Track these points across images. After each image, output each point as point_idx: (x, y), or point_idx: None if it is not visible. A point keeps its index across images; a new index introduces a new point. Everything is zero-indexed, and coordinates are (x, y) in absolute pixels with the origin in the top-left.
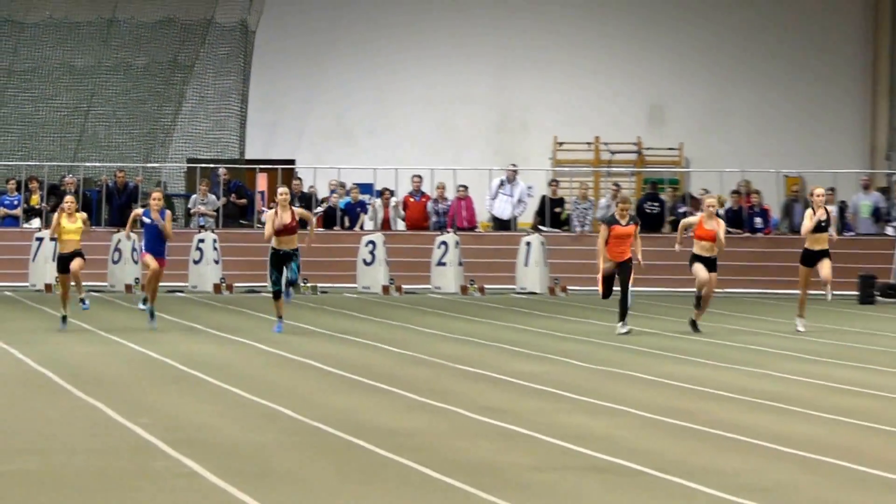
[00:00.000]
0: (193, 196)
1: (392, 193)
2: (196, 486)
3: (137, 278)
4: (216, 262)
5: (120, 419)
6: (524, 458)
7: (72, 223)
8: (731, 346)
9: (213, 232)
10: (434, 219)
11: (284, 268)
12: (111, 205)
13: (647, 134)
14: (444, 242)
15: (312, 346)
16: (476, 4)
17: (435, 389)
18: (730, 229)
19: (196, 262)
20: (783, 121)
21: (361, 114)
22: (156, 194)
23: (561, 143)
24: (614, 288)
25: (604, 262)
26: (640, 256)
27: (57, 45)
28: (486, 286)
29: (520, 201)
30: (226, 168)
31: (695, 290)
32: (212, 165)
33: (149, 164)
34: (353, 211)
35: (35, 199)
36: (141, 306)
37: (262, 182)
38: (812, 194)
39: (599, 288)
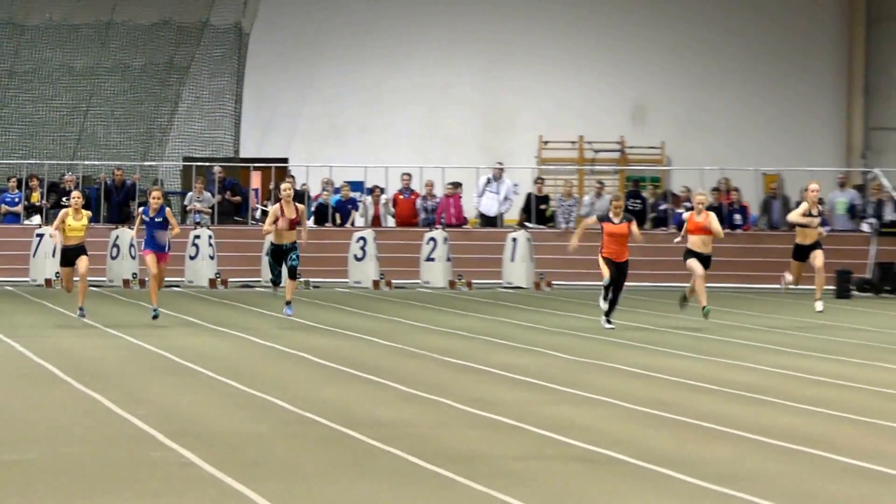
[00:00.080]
0: (189, 193)
1: (382, 191)
2: (192, 476)
3: (135, 273)
4: (211, 257)
5: (118, 410)
6: (510, 447)
7: (77, 220)
8: (710, 338)
9: (208, 228)
10: (423, 215)
11: (284, 261)
12: (109, 202)
13: (630, 133)
14: (432, 238)
15: (305, 340)
16: (463, 8)
17: (424, 381)
18: None
19: (192, 258)
20: (762, 120)
21: (352, 114)
22: (155, 193)
23: (546, 142)
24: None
25: (603, 262)
26: (636, 235)
27: (56, 47)
28: (473, 281)
29: (506, 198)
30: (221, 166)
31: (687, 284)
32: (207, 164)
33: (146, 163)
34: (345, 208)
35: (35, 197)
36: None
37: (255, 180)
38: (807, 189)
39: (605, 272)
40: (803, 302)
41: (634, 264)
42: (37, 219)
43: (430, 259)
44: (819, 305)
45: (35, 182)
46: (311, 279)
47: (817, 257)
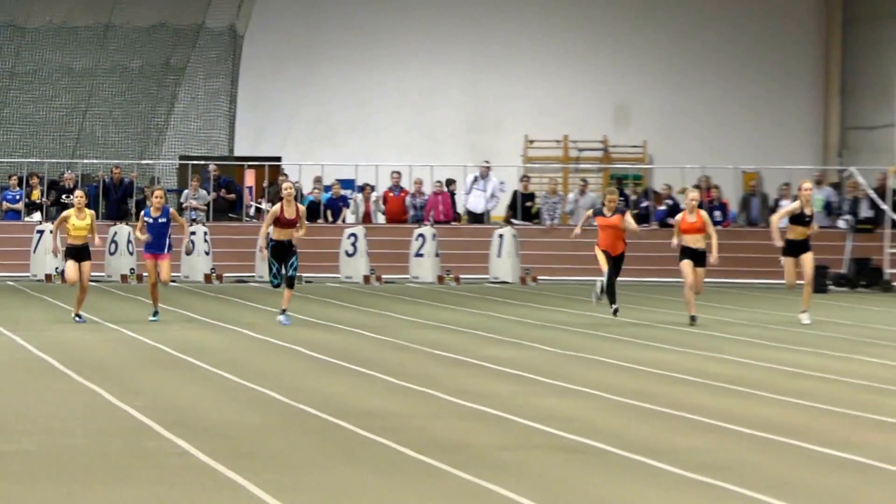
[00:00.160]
0: (185, 191)
1: (372, 189)
2: (187, 465)
3: (132, 269)
4: (207, 253)
5: (116, 402)
6: (497, 437)
7: (81, 220)
8: (691, 332)
9: (203, 225)
10: (412, 212)
11: (284, 262)
12: (108, 199)
13: (613, 132)
14: (421, 235)
15: (298, 333)
16: (452, 14)
17: (413, 373)
18: None
19: (188, 254)
20: (741, 120)
21: (344, 114)
22: (157, 192)
23: (532, 141)
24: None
25: (602, 261)
26: (633, 227)
27: (56, 48)
28: (461, 276)
29: (493, 196)
30: (216, 165)
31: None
32: (202, 162)
33: (143, 161)
34: (336, 205)
35: (36, 195)
36: (151, 318)
37: (249, 178)
38: (800, 188)
39: (603, 266)
40: (781, 296)
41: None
42: (37, 216)
43: (419, 255)
44: (805, 318)
45: (35, 180)
46: (303, 274)
47: (807, 264)
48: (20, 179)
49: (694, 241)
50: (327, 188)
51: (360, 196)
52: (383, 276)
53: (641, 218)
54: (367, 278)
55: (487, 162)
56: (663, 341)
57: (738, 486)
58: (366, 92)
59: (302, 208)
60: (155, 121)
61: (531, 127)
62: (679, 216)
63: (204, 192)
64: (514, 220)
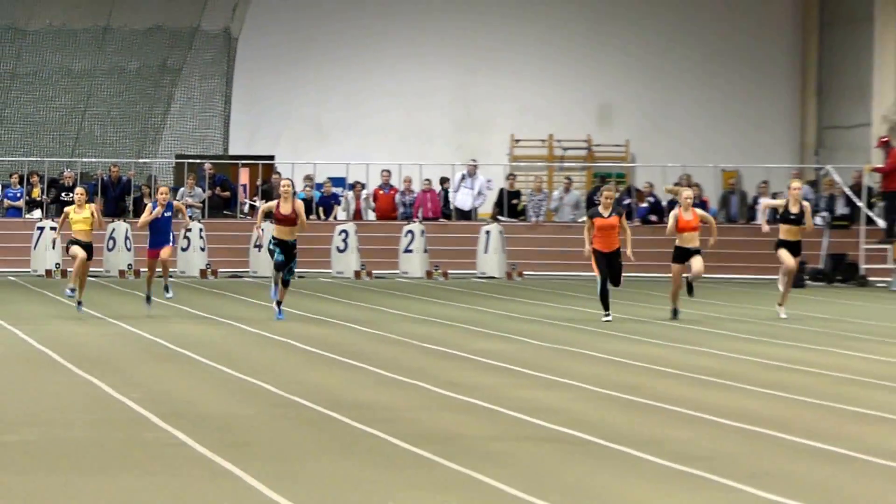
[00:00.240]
0: (181, 189)
1: (363, 186)
2: (184, 455)
3: (130, 264)
4: (202, 249)
5: (114, 394)
6: (485, 429)
7: (79, 214)
8: (674, 325)
9: (199, 221)
10: (401, 209)
11: (287, 252)
12: (106, 196)
13: (597, 132)
14: (410, 231)
15: (291, 327)
16: (440, 17)
17: (404, 366)
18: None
19: (184, 250)
20: (721, 120)
21: (335, 114)
22: (163, 189)
23: (518, 141)
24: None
25: (595, 262)
26: (629, 252)
27: (56, 50)
28: (449, 271)
29: (480, 193)
30: (211, 163)
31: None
32: (198, 161)
33: (140, 160)
34: (328, 202)
35: (36, 192)
36: (166, 295)
37: (244, 176)
38: (789, 187)
39: (595, 272)
40: (759, 291)
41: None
42: (37, 213)
43: (408, 251)
44: (781, 313)
45: (36, 178)
46: (296, 269)
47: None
48: (21, 177)
49: (690, 240)
50: (319, 186)
51: (351, 194)
52: (374, 272)
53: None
54: (357, 273)
55: (475, 161)
56: (647, 335)
57: (719, 476)
58: (357, 93)
59: (300, 204)
60: (152, 120)
61: (517, 127)
62: (675, 215)
63: (199, 189)
64: (500, 217)
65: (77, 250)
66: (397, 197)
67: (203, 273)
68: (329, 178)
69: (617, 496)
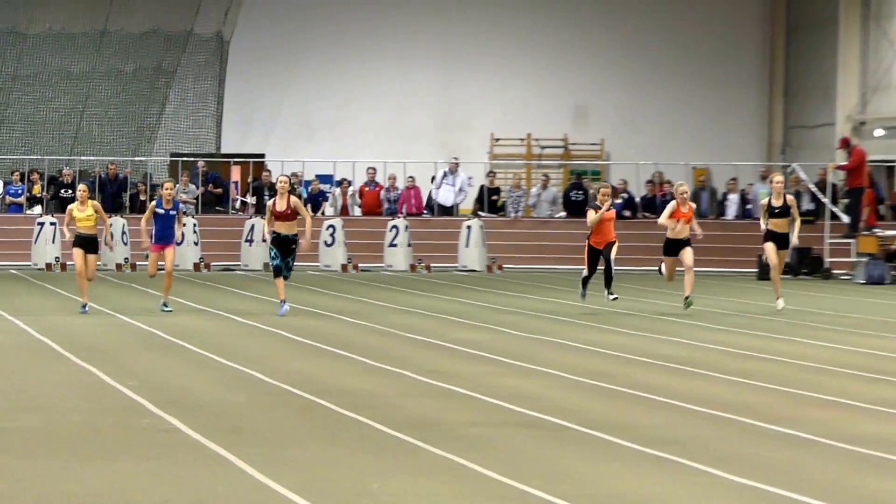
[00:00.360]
0: (176, 186)
1: (350, 183)
2: (178, 441)
3: (127, 258)
4: (196, 243)
5: (111, 382)
6: (465, 415)
7: (82, 211)
8: (647, 317)
9: (192, 217)
10: (386, 205)
11: (285, 253)
12: (104, 193)
13: (573, 131)
14: (395, 226)
15: (281, 318)
16: (423, 22)
17: (388, 355)
18: (646, 213)
19: (178, 244)
20: (691, 119)
21: (323, 114)
22: (168, 185)
23: (497, 139)
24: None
25: (587, 256)
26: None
27: (56, 53)
28: (431, 264)
29: (461, 190)
30: (204, 161)
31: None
32: (191, 159)
33: (136, 158)
34: (316, 199)
35: (36, 189)
36: (164, 309)
37: (235, 173)
38: (771, 182)
39: (585, 267)
40: (728, 283)
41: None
42: (38, 209)
43: (392, 245)
44: (780, 304)
45: (36, 176)
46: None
47: (779, 257)
48: (22, 175)
49: (679, 232)
50: (307, 183)
51: (338, 190)
52: (360, 265)
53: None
54: (344, 267)
55: (456, 158)
56: (621, 325)
57: (689, 459)
58: (344, 94)
59: (295, 200)
60: (147, 120)
61: (497, 126)
62: (671, 207)
63: (193, 186)
64: (480, 213)
65: (79, 262)
66: (382, 193)
67: (196, 266)
68: (317, 176)
69: (592, 479)
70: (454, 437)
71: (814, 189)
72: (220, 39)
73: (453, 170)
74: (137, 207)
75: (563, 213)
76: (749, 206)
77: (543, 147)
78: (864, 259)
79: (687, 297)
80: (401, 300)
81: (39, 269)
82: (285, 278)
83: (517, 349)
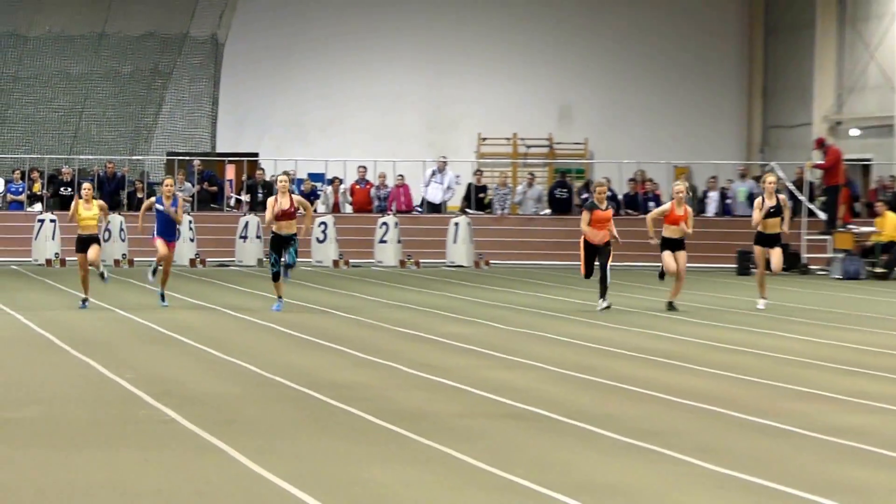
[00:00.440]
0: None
1: (341, 181)
2: (174, 431)
3: (124, 254)
4: (192, 240)
5: (109, 374)
6: (454, 406)
7: (88, 210)
8: (629, 311)
9: (188, 214)
10: (376, 203)
11: (283, 251)
12: (102, 191)
13: (558, 130)
14: (385, 223)
15: (273, 313)
16: (412, 24)
17: (378, 348)
18: (628, 210)
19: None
20: (673, 119)
21: (315, 114)
22: (167, 181)
23: (484, 139)
24: (595, 264)
25: (583, 251)
26: (615, 233)
27: (55, 55)
28: (420, 260)
29: (449, 188)
30: (199, 160)
31: (662, 267)
32: (187, 158)
33: (134, 157)
34: (308, 197)
35: (37, 187)
36: (150, 278)
37: (230, 172)
38: (764, 182)
39: (581, 269)
40: (708, 279)
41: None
42: (38, 206)
43: (382, 241)
44: (761, 304)
45: (36, 174)
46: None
47: (774, 257)
48: (23, 173)
49: (678, 232)
50: (299, 182)
51: (329, 188)
52: (351, 261)
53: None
54: (336, 262)
55: (444, 157)
56: (601, 319)
57: (670, 450)
58: (335, 94)
59: (297, 198)
60: (144, 120)
61: (484, 126)
62: (666, 207)
63: (189, 184)
64: (468, 210)
65: (81, 259)
66: (373, 191)
67: (192, 262)
68: (309, 175)
69: (576, 468)
70: (443, 427)
71: (791, 187)
72: (215, 42)
73: (442, 168)
74: (135, 205)
75: (547, 211)
76: (728, 202)
77: (529, 146)
78: (841, 255)
79: (671, 303)
80: (391, 295)
81: (40, 265)
82: (290, 265)
83: (504, 343)
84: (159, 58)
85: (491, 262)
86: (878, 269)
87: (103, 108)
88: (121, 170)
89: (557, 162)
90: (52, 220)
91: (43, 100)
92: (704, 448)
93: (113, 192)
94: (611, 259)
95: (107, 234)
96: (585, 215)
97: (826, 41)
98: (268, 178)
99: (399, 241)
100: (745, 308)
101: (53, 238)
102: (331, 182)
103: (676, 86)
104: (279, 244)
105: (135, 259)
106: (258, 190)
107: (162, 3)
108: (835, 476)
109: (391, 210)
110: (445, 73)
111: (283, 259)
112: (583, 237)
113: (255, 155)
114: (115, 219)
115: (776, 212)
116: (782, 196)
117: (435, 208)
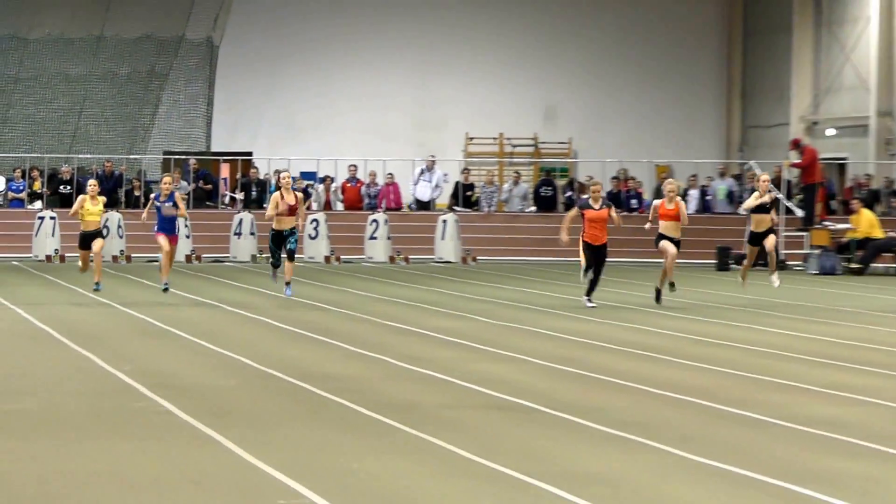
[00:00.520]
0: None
1: (332, 180)
2: (169, 423)
3: (122, 250)
4: (187, 236)
5: (107, 367)
6: (441, 398)
7: (94, 206)
8: (610, 305)
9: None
10: (367, 201)
11: (283, 245)
12: (100, 189)
13: (543, 130)
14: (375, 220)
15: (267, 307)
16: (400, 27)
17: (368, 341)
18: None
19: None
20: (655, 119)
21: (307, 114)
22: (166, 179)
23: (471, 138)
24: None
25: (582, 249)
26: (615, 217)
27: (55, 57)
28: (410, 256)
29: (437, 186)
30: (195, 159)
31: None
32: (183, 157)
33: (131, 156)
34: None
35: (37, 185)
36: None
37: (224, 171)
38: (758, 180)
39: (582, 261)
40: (688, 274)
41: (551, 242)
42: (38, 204)
43: (373, 238)
44: (775, 281)
45: (36, 173)
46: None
47: (768, 240)
48: (23, 172)
49: (672, 229)
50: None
51: (321, 187)
52: (342, 257)
53: (568, 206)
54: (327, 259)
55: (433, 156)
56: (589, 314)
57: (651, 440)
58: (326, 96)
59: (300, 196)
60: (141, 120)
61: (471, 126)
62: (657, 202)
63: (185, 183)
64: (456, 207)
65: (83, 255)
66: (363, 189)
67: (188, 258)
68: (301, 173)
69: (560, 458)
70: (430, 418)
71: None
72: (210, 44)
73: (430, 167)
74: (132, 203)
75: (533, 208)
76: (708, 199)
77: (515, 145)
78: (817, 251)
79: (672, 283)
80: (380, 290)
81: (40, 261)
82: (291, 254)
83: (490, 336)
84: (156, 60)
85: (478, 258)
86: (854, 265)
87: (102, 109)
88: (119, 168)
89: (542, 161)
90: (51, 218)
91: (43, 100)
92: (685, 438)
93: (111, 189)
94: (604, 264)
95: (105, 230)
96: (574, 212)
97: (803, 44)
98: (261, 177)
99: (389, 238)
100: (723, 302)
101: (53, 235)
102: (322, 180)
103: (658, 87)
104: (280, 240)
105: (132, 255)
106: (252, 188)
107: (158, 7)
108: (811, 465)
109: (381, 208)
110: (434, 74)
111: (283, 250)
112: (581, 235)
113: (249, 154)
114: (114, 216)
115: (768, 209)
116: (772, 194)
117: (423, 206)
